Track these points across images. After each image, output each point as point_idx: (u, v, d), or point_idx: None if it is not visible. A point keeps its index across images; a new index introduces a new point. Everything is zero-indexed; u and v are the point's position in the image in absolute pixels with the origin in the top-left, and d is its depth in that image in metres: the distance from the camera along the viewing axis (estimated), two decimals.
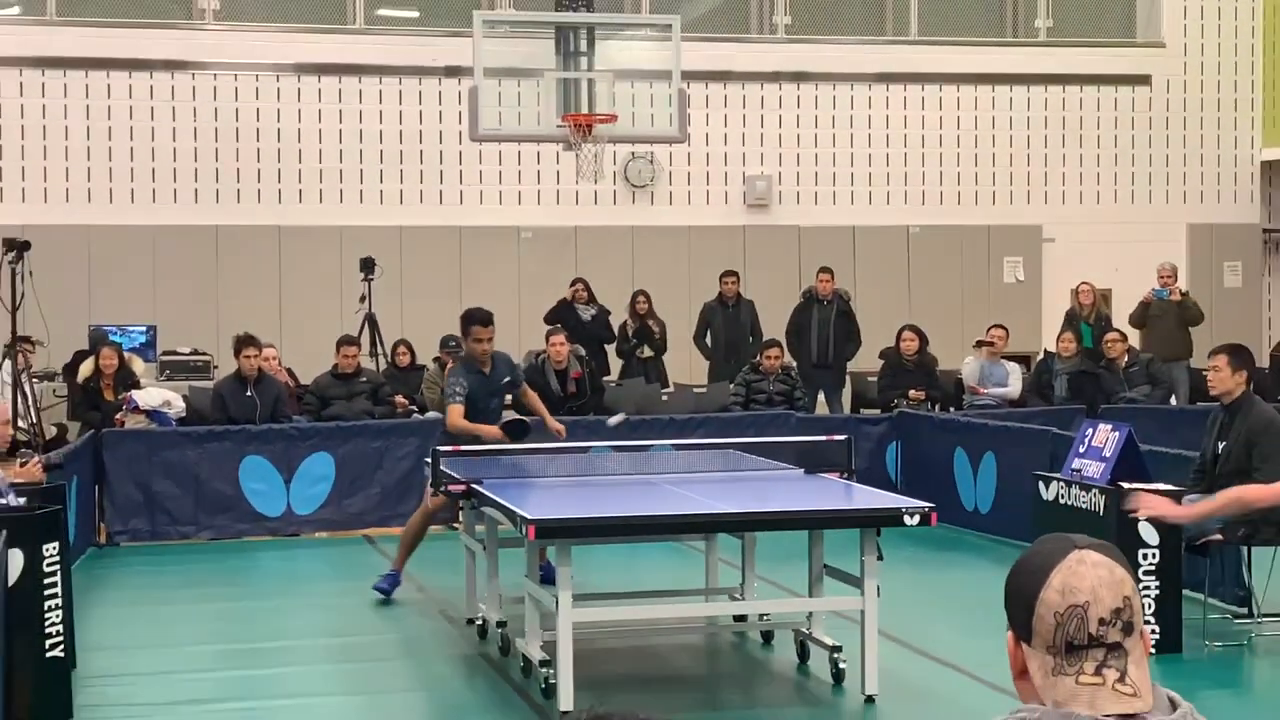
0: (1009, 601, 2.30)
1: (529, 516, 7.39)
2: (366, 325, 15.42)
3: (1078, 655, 2.22)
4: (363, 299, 15.54)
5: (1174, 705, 2.21)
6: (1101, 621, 2.22)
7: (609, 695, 7.88)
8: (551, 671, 7.60)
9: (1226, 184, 19.68)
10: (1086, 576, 2.23)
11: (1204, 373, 16.08)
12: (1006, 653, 2.32)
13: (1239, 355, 9.06)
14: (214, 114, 17.13)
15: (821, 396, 15.94)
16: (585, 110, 13.10)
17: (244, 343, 13.71)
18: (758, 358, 15.06)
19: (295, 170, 17.40)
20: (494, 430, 9.87)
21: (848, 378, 16.40)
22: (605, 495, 8.89)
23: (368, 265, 15.63)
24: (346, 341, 14.39)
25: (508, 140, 16.12)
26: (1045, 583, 2.24)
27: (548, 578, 9.64)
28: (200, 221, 17.01)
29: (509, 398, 10.80)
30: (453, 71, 16.83)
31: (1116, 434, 8.97)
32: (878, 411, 15.19)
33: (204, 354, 15.87)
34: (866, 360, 16.36)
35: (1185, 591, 8.76)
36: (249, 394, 13.57)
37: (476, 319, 10.15)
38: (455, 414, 9.89)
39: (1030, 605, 2.25)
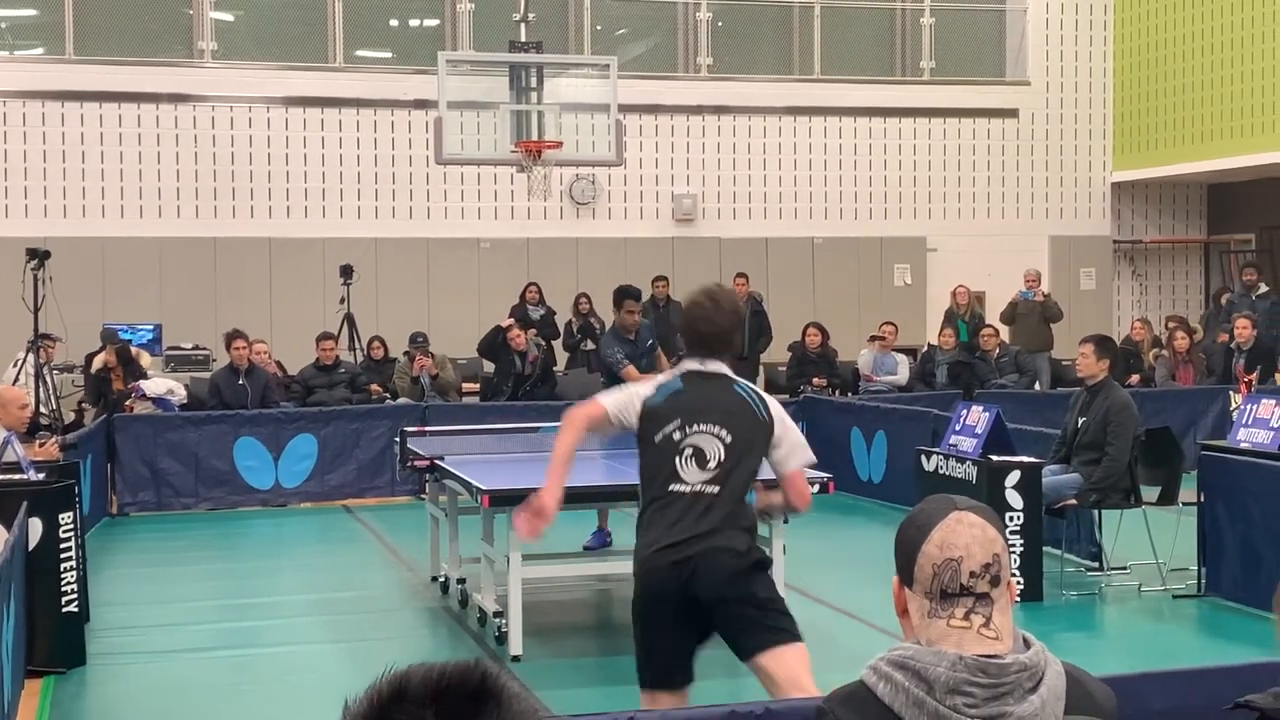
0: (897, 550, 2.28)
1: (483, 487, 7.34)
2: (345, 323, 15.30)
3: (950, 601, 2.20)
4: (342, 301, 15.43)
5: (1028, 645, 2.20)
6: (972, 574, 2.20)
7: (552, 641, 7.84)
8: (503, 621, 7.55)
9: (1082, 202, 19.82)
10: (963, 535, 2.21)
11: (1064, 363, 16.29)
12: (893, 596, 2.30)
13: (1104, 345, 9.09)
14: (212, 140, 16.93)
15: None
16: (535, 138, 13.03)
17: (233, 337, 13.68)
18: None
19: (283, 189, 17.22)
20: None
21: (761, 368, 16.40)
22: None
23: (347, 272, 15.51)
24: (324, 337, 14.39)
25: (468, 164, 16.03)
26: (927, 537, 2.22)
27: (593, 545, 9.65)
28: (200, 234, 16.80)
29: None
30: (420, 104, 16.68)
31: (987, 415, 9.01)
32: (786, 396, 15.18)
33: (204, 349, 15.68)
34: (777, 353, 16.38)
35: (1046, 548, 8.80)
36: (241, 383, 13.43)
37: (630, 294, 10.10)
38: (632, 373, 9.77)
39: (913, 555, 2.23)
